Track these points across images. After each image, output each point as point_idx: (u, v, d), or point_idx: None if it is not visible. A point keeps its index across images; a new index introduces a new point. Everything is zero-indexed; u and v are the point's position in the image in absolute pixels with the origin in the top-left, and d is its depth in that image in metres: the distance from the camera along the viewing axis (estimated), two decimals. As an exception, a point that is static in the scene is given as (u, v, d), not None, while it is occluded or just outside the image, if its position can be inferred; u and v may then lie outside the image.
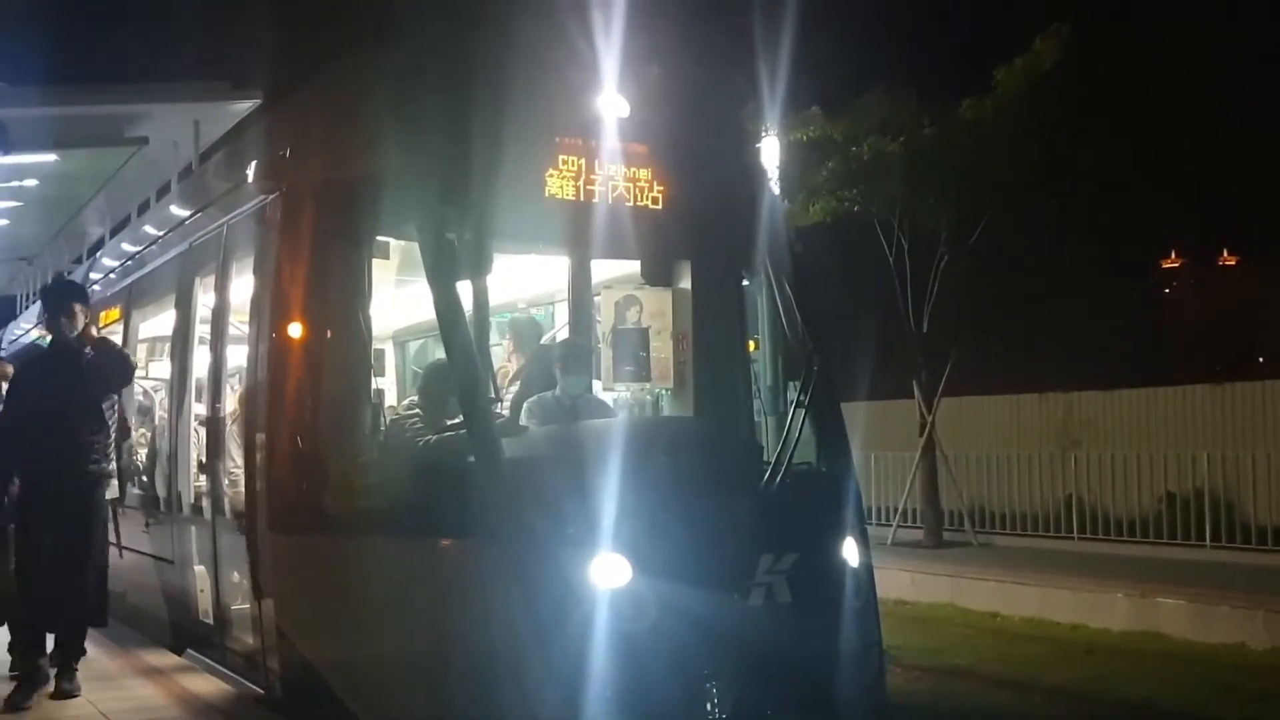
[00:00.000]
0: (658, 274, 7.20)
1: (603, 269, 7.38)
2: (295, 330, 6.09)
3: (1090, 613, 11.54)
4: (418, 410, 6.27)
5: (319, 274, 6.04)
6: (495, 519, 5.04)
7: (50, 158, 10.07)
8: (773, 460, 5.80)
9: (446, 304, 5.33)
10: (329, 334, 6.12)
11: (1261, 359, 37.07)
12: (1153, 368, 26.74)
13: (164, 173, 10.12)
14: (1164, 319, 48.81)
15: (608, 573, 4.99)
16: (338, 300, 6.02)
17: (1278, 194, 41.80)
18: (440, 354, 6.50)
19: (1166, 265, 58.40)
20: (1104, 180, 16.41)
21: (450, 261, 5.37)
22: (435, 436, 5.92)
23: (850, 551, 5.88)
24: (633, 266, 7.21)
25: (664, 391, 7.48)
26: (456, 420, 5.74)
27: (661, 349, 7.37)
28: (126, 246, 10.36)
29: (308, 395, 6.05)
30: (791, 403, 6.20)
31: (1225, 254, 59.19)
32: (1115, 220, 20.43)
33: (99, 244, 12.38)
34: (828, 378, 6.18)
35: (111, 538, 7.40)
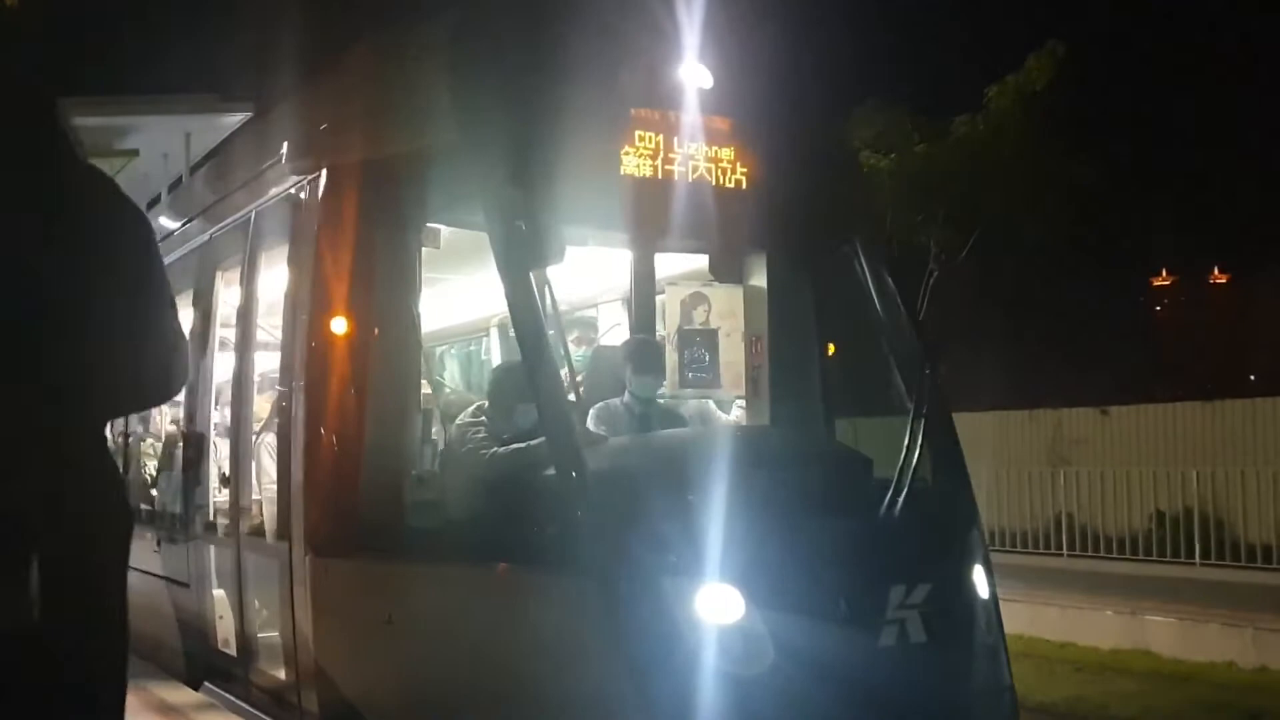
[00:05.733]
0: (728, 269, 6.42)
1: (665, 265, 6.44)
2: (338, 327, 5.39)
3: (1079, 630, 11.51)
4: (484, 418, 5.41)
5: (365, 265, 5.34)
6: (582, 543, 4.30)
7: (40, 169, 10.07)
8: (895, 477, 5.00)
9: (520, 298, 4.56)
10: (376, 331, 5.42)
11: (1252, 377, 37.12)
12: (1143, 385, 26.78)
13: (155, 185, 10.13)
14: (1155, 336, 48.90)
15: (717, 607, 4.25)
16: (386, 294, 5.37)
17: (1269, 211, 42.00)
18: (489, 357, 5.86)
19: (1157, 283, 58.51)
20: (1094, 197, 16.47)
21: (521, 250, 4.58)
22: (505, 448, 5.15)
23: (980, 582, 5.14)
24: (698, 262, 6.45)
25: (736, 400, 6.59)
26: (528, 428, 4.99)
27: (731, 352, 6.48)
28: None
29: (352, 399, 5.35)
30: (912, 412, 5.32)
31: (1216, 272, 59.31)
32: (1106, 237, 20.49)
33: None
34: (937, 385, 5.47)
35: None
